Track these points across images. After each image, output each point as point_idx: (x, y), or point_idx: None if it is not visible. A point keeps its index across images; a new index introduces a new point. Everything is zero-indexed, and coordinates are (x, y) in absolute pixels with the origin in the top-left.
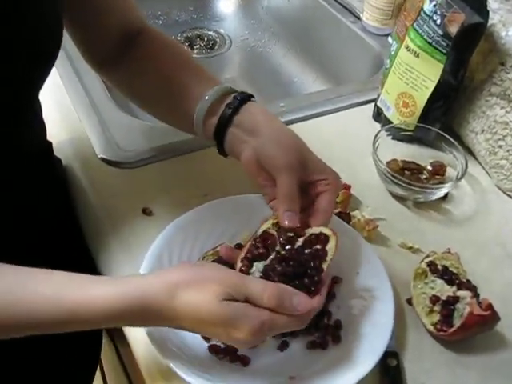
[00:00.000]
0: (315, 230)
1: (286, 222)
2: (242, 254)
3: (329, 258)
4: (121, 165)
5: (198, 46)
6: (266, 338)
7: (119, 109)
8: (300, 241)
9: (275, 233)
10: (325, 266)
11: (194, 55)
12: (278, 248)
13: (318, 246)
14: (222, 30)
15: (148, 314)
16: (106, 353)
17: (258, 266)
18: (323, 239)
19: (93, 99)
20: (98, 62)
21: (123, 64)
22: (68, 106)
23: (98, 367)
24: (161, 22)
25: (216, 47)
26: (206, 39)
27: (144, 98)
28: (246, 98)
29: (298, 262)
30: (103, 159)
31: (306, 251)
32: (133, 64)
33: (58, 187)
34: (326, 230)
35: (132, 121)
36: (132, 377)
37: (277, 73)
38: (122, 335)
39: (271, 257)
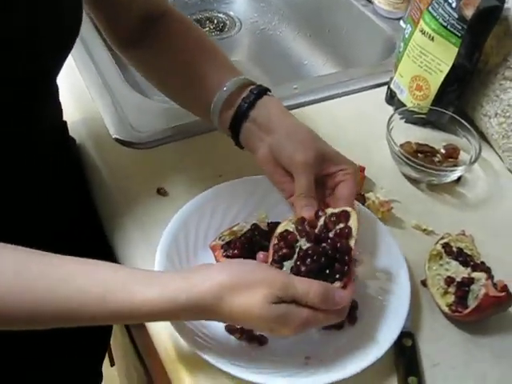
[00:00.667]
0: (334, 210)
1: (305, 215)
2: (270, 258)
3: (354, 233)
4: (135, 145)
5: (207, 29)
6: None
7: (132, 89)
8: (321, 220)
9: (293, 228)
10: (352, 243)
11: None
12: (300, 243)
13: (341, 225)
14: (231, 13)
15: (193, 316)
16: (117, 336)
17: (287, 266)
18: (344, 215)
19: (106, 80)
20: (121, 41)
21: (145, 44)
22: (81, 86)
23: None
24: (170, 4)
25: (226, 29)
26: (215, 21)
27: (163, 80)
28: (262, 91)
29: (323, 253)
30: (117, 139)
31: (330, 234)
32: (154, 44)
33: (73, 166)
34: (346, 208)
35: (145, 101)
36: (146, 359)
37: (287, 56)
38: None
39: (295, 255)
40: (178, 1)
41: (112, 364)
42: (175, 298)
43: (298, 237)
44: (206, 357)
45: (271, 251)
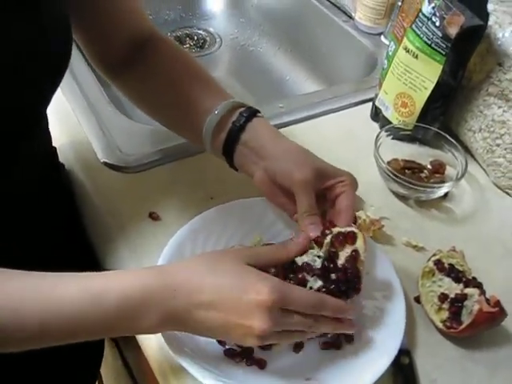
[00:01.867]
0: (340, 228)
1: (312, 234)
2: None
3: (362, 255)
4: (124, 169)
5: (187, 46)
6: (282, 322)
7: (118, 112)
8: (328, 239)
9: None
10: (361, 267)
11: None
12: (310, 283)
13: (348, 249)
14: (211, 29)
15: (165, 303)
16: (107, 362)
17: None
18: (351, 236)
19: (91, 102)
20: (109, 68)
21: (133, 70)
22: (67, 109)
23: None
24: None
25: (206, 46)
26: (195, 38)
27: (152, 105)
28: (251, 114)
29: (336, 290)
30: (106, 163)
31: (339, 262)
32: (143, 69)
33: (64, 192)
34: (352, 228)
35: (132, 124)
36: (139, 380)
37: (268, 71)
38: (128, 339)
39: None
40: (157, 18)
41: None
42: (147, 276)
43: (307, 276)
44: (206, 381)
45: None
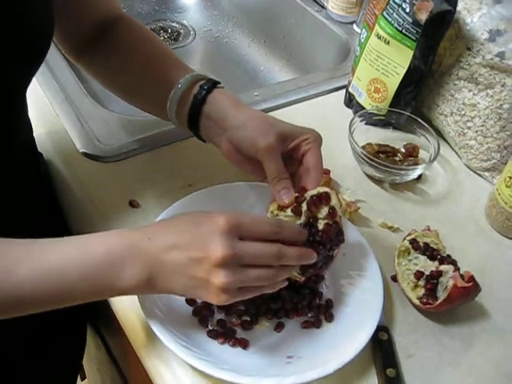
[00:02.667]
0: (312, 191)
1: (285, 201)
2: None
3: (339, 211)
4: (102, 159)
5: (162, 38)
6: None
7: (96, 104)
8: (304, 206)
9: None
10: (339, 221)
11: None
12: None
13: (325, 208)
14: (185, 22)
15: (143, 239)
16: (90, 353)
17: None
18: (325, 197)
19: (68, 95)
20: (75, 50)
21: (100, 51)
22: (45, 102)
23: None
24: None
25: (180, 38)
26: (169, 31)
27: (120, 85)
28: (211, 86)
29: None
30: (85, 154)
31: (319, 226)
32: (109, 50)
33: (43, 181)
34: (324, 189)
35: (110, 115)
36: (123, 367)
37: (242, 62)
38: (109, 323)
39: None
40: (131, 11)
41: (83, 378)
42: (128, 231)
43: None
44: (191, 361)
45: None
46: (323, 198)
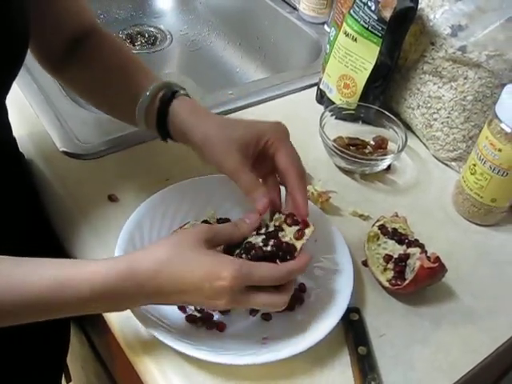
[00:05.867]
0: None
1: (260, 205)
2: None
3: (305, 238)
4: (82, 156)
5: (139, 43)
6: (243, 295)
7: (75, 104)
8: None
9: None
10: (299, 245)
11: (136, 52)
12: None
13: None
14: (161, 26)
15: (134, 276)
16: (74, 350)
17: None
18: (304, 222)
19: (48, 96)
20: (50, 65)
21: (73, 64)
22: (25, 103)
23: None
24: (101, 20)
25: (157, 43)
26: (146, 35)
27: (94, 96)
28: (170, 97)
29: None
30: (65, 152)
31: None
32: (82, 63)
33: (25, 180)
34: (308, 221)
35: (88, 115)
36: (109, 363)
37: (219, 64)
38: (95, 323)
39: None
40: (108, 17)
41: (68, 380)
42: (115, 264)
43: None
44: (171, 344)
45: None
46: (302, 222)
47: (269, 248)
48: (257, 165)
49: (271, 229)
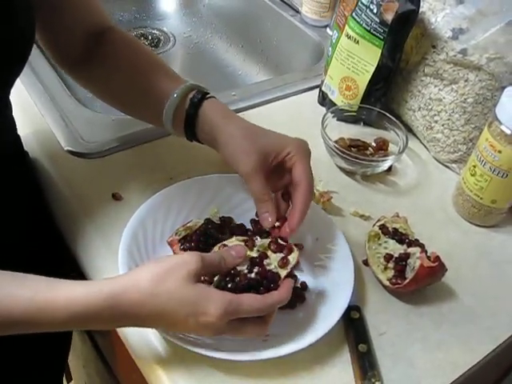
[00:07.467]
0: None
1: (265, 224)
2: None
3: (289, 266)
4: (87, 155)
5: None
6: (229, 326)
7: (79, 104)
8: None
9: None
10: (283, 274)
11: None
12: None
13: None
14: (165, 28)
15: (116, 309)
16: (75, 348)
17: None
18: (288, 247)
19: (53, 96)
20: (68, 63)
21: (92, 64)
22: (29, 102)
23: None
24: None
25: (160, 45)
26: (150, 38)
27: (114, 95)
28: (201, 98)
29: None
30: (70, 151)
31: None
32: (101, 63)
33: (29, 179)
34: (292, 245)
35: (93, 114)
36: (111, 362)
37: (221, 67)
38: None
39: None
40: (112, 18)
41: (69, 380)
42: (99, 290)
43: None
44: (174, 340)
45: None
46: (287, 248)
47: (253, 275)
48: (271, 178)
49: (255, 254)
